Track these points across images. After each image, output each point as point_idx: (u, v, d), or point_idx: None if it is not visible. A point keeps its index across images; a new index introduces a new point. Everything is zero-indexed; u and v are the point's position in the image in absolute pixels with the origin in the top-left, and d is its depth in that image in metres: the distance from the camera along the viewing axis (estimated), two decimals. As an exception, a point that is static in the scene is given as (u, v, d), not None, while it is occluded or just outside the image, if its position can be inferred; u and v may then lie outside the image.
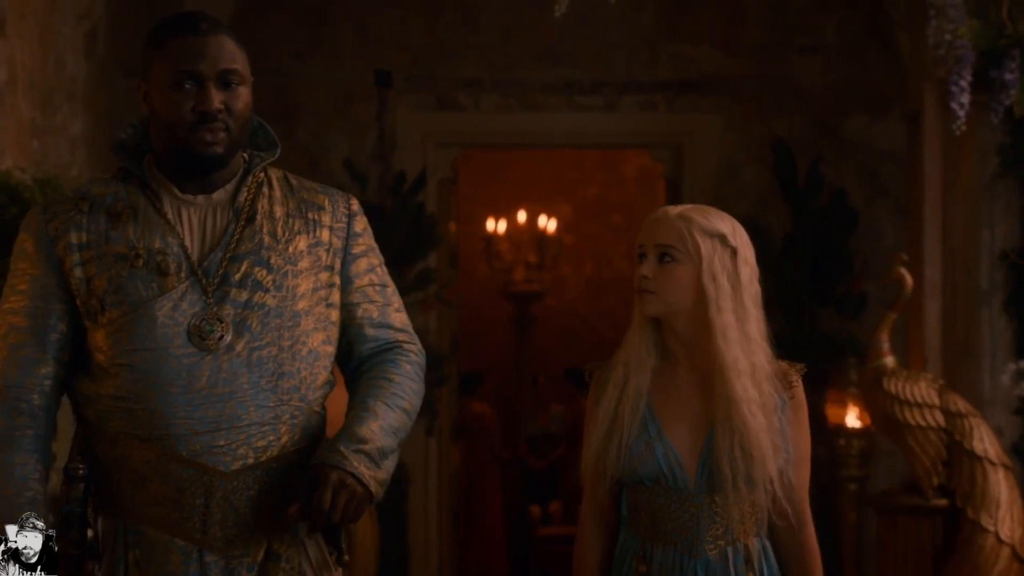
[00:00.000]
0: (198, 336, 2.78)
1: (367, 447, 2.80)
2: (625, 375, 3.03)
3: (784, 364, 3.03)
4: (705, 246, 2.98)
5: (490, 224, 12.51)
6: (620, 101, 8.97)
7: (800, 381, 3.03)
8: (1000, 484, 5.48)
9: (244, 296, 2.81)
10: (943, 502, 5.64)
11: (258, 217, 2.87)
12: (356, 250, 2.97)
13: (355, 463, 2.77)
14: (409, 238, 8.60)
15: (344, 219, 2.96)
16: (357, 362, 2.98)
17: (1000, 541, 5.44)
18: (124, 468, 2.79)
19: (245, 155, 2.94)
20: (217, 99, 2.80)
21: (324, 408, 2.93)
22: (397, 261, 8.40)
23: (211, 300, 2.80)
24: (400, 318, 3.02)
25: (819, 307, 8.55)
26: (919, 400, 5.57)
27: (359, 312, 2.96)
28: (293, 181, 2.98)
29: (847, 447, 7.31)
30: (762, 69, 8.88)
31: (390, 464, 2.86)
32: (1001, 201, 6.75)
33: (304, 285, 2.87)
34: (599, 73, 8.94)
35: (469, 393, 10.91)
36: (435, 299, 8.81)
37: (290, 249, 2.87)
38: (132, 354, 2.79)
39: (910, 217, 7.28)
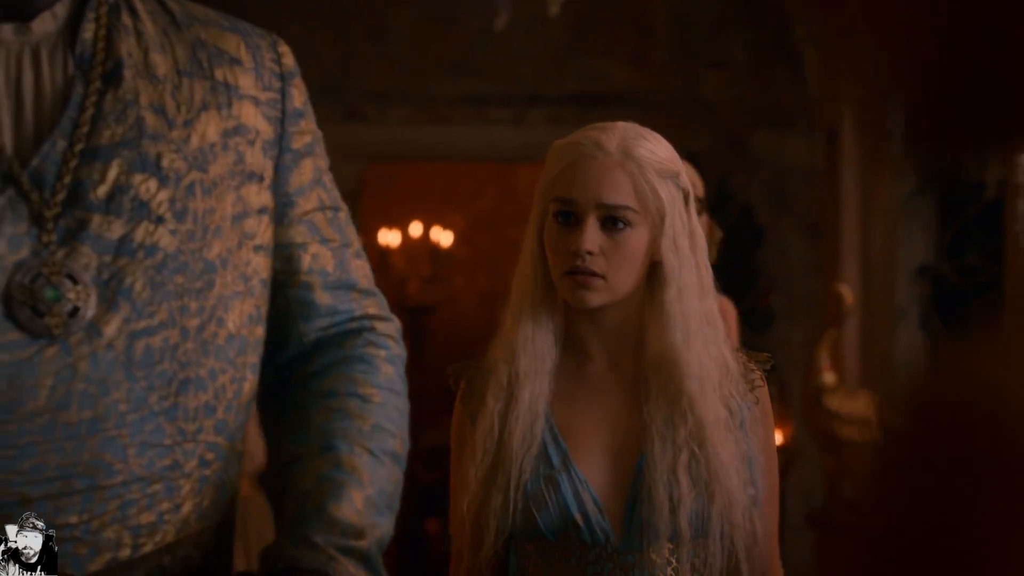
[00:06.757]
0: (29, 308, 1.49)
1: (363, 544, 1.59)
2: (511, 381, 2.05)
3: (742, 356, 2.14)
4: (666, 197, 2.05)
5: (383, 236, 12.41)
6: (528, 115, 8.93)
7: (765, 380, 2.13)
8: (938, 500, 5.52)
9: (117, 229, 1.52)
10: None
11: (126, 74, 1.57)
12: (297, 144, 1.70)
13: (349, 569, 1.57)
14: (317, 252, 8.49)
15: (276, 82, 1.69)
16: (294, 353, 1.71)
17: (938, 557, 5.48)
18: None
19: None
20: None
21: (243, 446, 1.67)
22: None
23: (51, 236, 1.51)
24: (363, 270, 1.77)
25: (726, 322, 8.61)
26: (858, 417, 5.60)
27: (305, 260, 1.69)
28: (173, 5, 1.66)
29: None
30: (670, 84, 8.90)
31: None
32: (918, 218, 6.84)
33: (220, 209, 1.60)
34: (508, 86, 8.90)
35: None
36: (342, 313, 8.71)
37: (193, 140, 1.59)
38: None
39: (825, 234, 7.35)
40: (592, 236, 2.01)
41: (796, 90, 8.65)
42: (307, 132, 1.71)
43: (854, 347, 6.91)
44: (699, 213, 3.58)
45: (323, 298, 1.70)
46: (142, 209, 1.54)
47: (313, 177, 1.71)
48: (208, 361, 1.57)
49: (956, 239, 6.74)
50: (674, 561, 2.02)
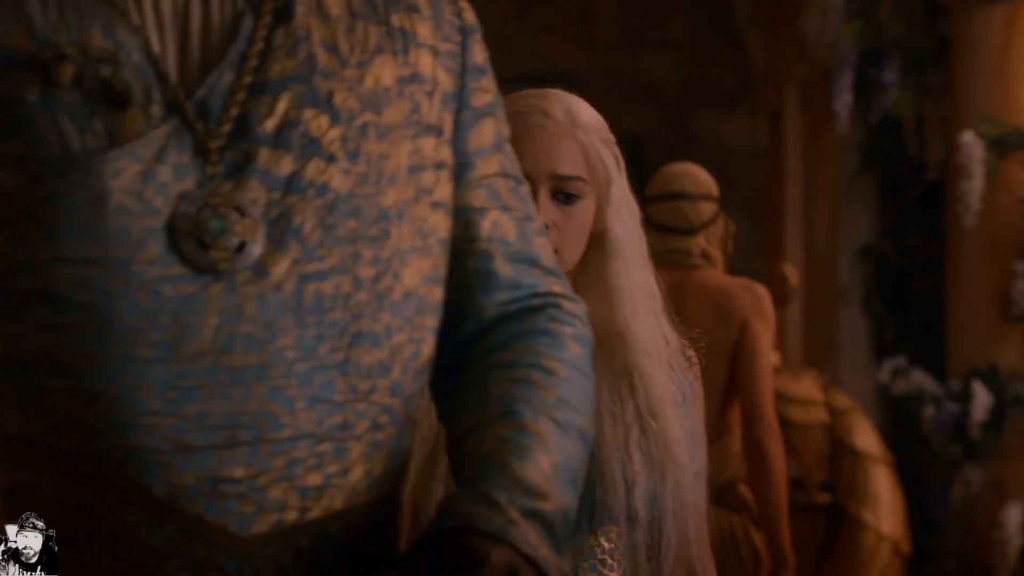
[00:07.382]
0: (194, 240, 1.37)
1: (546, 507, 1.39)
2: None
3: (676, 331, 2.05)
4: (611, 164, 1.97)
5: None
6: (471, 94, 8.94)
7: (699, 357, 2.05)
8: (881, 480, 5.56)
9: (287, 165, 1.40)
10: (826, 498, 5.71)
11: (298, 11, 1.45)
12: (478, 102, 1.54)
13: (531, 537, 1.35)
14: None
15: (456, 35, 1.54)
16: (472, 330, 1.54)
17: (881, 537, 5.52)
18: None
19: None
20: None
21: (417, 416, 1.52)
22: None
23: (217, 168, 1.39)
24: (546, 248, 1.59)
25: (667, 302, 8.63)
26: (803, 397, 5.62)
27: (485, 227, 1.54)
28: None
29: (709, 442, 7.36)
30: (613, 64, 8.91)
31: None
32: (861, 199, 6.87)
33: (395, 157, 1.46)
34: (450, 65, 8.90)
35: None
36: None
37: (367, 81, 1.46)
38: (53, 268, 1.36)
39: (768, 215, 7.37)
40: (546, 209, 1.91)
41: (739, 71, 8.67)
42: (489, 91, 1.55)
43: (796, 328, 6.95)
44: (715, 212, 3.59)
45: (504, 269, 1.53)
46: (312, 146, 1.41)
47: (495, 140, 1.56)
48: (383, 316, 1.42)
49: (898, 220, 6.78)
50: (620, 546, 1.93)
